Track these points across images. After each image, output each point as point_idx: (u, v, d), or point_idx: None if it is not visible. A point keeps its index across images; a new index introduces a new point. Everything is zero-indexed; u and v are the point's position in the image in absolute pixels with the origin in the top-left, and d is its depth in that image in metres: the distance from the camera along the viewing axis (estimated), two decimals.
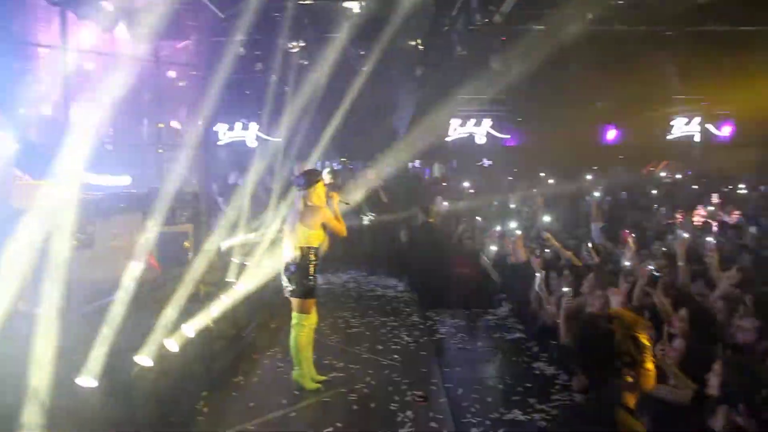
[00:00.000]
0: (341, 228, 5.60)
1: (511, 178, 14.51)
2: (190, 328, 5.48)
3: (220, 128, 13.56)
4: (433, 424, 4.84)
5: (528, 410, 5.04)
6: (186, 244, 7.41)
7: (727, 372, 3.50)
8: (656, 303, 4.88)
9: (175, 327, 5.36)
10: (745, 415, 3.21)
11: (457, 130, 13.84)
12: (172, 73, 11.29)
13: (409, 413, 5.02)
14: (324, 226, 5.47)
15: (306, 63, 9.06)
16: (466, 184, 13.19)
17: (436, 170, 17.29)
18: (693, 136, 15.71)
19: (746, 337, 4.32)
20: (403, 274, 9.73)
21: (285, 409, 5.14)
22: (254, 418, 4.93)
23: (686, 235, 6.05)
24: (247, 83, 11.17)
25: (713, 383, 3.57)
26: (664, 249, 6.41)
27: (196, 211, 7.28)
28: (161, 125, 11.86)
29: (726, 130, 15.24)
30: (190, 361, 5.55)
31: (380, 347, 6.76)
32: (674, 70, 12.28)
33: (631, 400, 2.00)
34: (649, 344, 2.02)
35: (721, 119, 15.12)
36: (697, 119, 15.29)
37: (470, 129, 13.84)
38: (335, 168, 14.98)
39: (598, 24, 9.46)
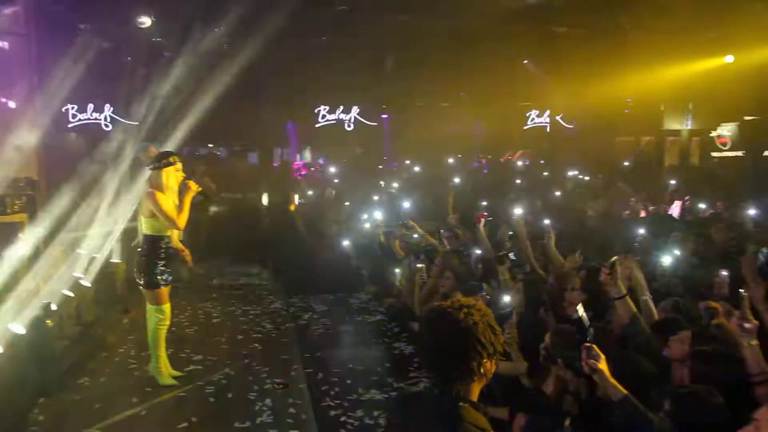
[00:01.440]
0: (176, 220, 5.01)
1: (381, 166, 14.86)
2: (21, 328, 4.97)
3: (70, 109, 12.39)
4: (291, 410, 4.85)
5: (386, 389, 5.24)
6: (21, 235, 6.67)
7: (555, 340, 3.90)
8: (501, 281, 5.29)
9: (3, 327, 4.84)
10: (564, 368, 3.60)
11: (325, 117, 13.81)
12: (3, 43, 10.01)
13: (268, 401, 5.00)
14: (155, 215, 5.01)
15: (159, 40, 8.45)
16: (333, 170, 13.25)
17: (306, 157, 17.25)
18: (545, 127, 17.09)
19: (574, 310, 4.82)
20: (266, 262, 9.58)
21: (136, 408, 4.88)
22: (100, 421, 4.62)
23: (519, 212, 6.56)
24: (97, 61, 10.19)
25: (544, 353, 3.94)
26: (510, 232, 6.90)
27: (32, 199, 6.56)
28: None
29: (572, 122, 16.68)
30: (22, 365, 5.05)
31: (241, 337, 6.64)
32: (525, 66, 13.12)
33: (477, 391, 1.90)
34: (499, 329, 1.94)
35: (569, 112, 16.48)
36: (547, 111, 16.61)
37: (339, 116, 13.88)
38: (199, 154, 14.43)
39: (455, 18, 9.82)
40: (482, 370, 1.84)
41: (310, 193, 10.82)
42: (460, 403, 1.81)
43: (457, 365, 1.83)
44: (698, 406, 2.71)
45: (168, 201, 5.04)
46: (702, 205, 8.72)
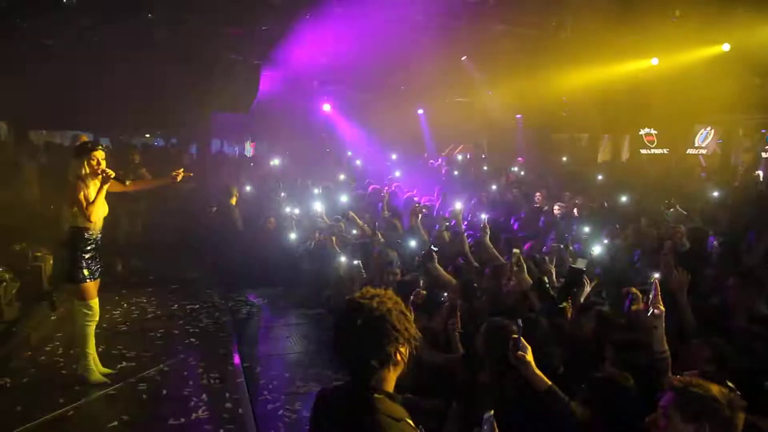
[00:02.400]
0: (86, 211, 4.89)
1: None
2: None
3: None
4: (228, 405, 4.80)
5: (324, 382, 5.25)
6: None
7: (486, 333, 4.01)
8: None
9: None
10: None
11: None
12: None
13: (204, 397, 4.92)
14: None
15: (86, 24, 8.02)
16: (273, 163, 13.06)
17: (247, 149, 16.96)
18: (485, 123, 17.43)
19: (512, 299, 4.99)
20: (205, 256, 9.38)
21: (63, 408, 4.69)
22: (23, 424, 4.41)
23: (459, 207, 6.77)
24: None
25: (479, 343, 4.05)
26: (447, 224, 7.05)
27: None
28: None
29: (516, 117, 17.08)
30: None
31: (177, 332, 6.49)
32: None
33: (392, 381, 1.92)
34: (411, 315, 1.99)
35: (512, 108, 16.86)
36: (494, 107, 16.91)
37: None
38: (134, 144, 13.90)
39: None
40: (398, 357, 1.88)
41: (248, 188, 10.63)
42: (375, 394, 1.85)
43: (374, 351, 1.86)
44: (613, 391, 2.88)
45: (86, 191, 4.90)
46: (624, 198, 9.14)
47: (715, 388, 2.24)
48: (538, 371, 2.95)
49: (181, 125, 13.21)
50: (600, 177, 11.81)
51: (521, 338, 3.00)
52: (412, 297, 4.64)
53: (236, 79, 10.39)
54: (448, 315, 4.53)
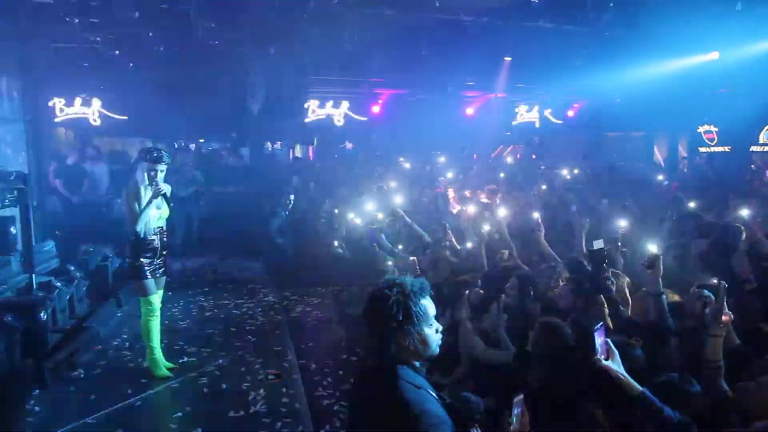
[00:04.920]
0: (133, 220, 5.15)
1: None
2: (15, 320, 5.00)
3: (57, 102, 12.28)
4: (285, 400, 4.93)
5: None
6: (12, 230, 6.66)
7: (539, 332, 3.99)
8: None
9: None
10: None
11: (315, 111, 13.78)
12: None
13: (261, 391, 5.08)
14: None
15: (150, 35, 8.42)
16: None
17: (298, 152, 17.28)
18: (533, 122, 17.15)
19: (565, 302, 4.93)
20: (260, 256, 9.63)
21: (130, 398, 4.94)
22: (96, 412, 4.68)
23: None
24: (83, 53, 10.08)
25: (532, 342, 4.03)
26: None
27: (23, 193, 6.55)
28: None
29: (566, 117, 16.71)
30: (16, 358, 5.10)
31: (234, 329, 6.71)
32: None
33: (415, 354, 2.14)
34: (432, 312, 2.17)
35: (562, 107, 16.53)
36: (537, 106, 16.67)
37: (329, 110, 13.86)
38: (188, 148, 14.41)
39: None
40: (420, 335, 2.11)
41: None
42: (398, 364, 2.10)
43: (400, 327, 2.09)
44: (677, 395, 2.81)
45: (141, 198, 5.13)
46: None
47: None
48: (627, 376, 2.81)
49: (236, 129, 13.58)
50: (660, 177, 11.40)
51: (608, 341, 2.83)
52: (468, 295, 4.66)
53: (289, 83, 10.64)
54: (501, 313, 4.53)
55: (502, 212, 6.64)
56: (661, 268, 3.89)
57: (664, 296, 3.93)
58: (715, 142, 15.87)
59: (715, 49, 11.25)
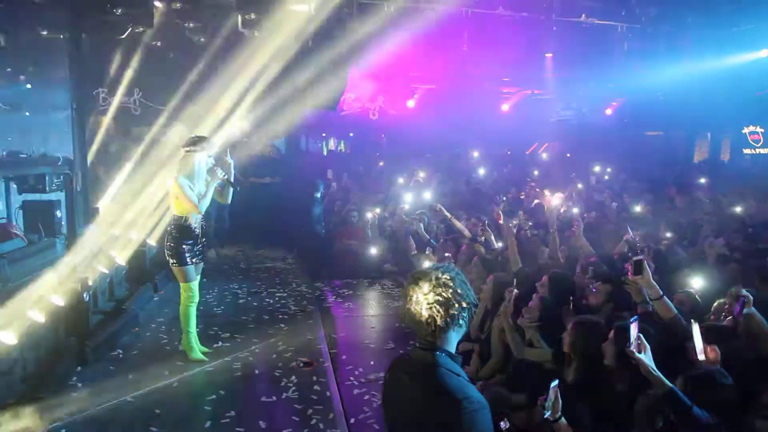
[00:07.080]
0: (195, 205, 5.22)
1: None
2: (60, 300, 5.19)
3: (100, 93, 12.64)
4: (316, 387, 5.00)
5: None
6: (58, 213, 6.90)
7: (575, 331, 3.93)
8: None
9: (43, 300, 5.06)
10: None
11: (351, 105, 13.80)
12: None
13: (293, 378, 5.14)
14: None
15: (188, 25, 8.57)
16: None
17: (332, 145, 17.39)
18: (571, 119, 16.84)
19: (597, 300, 4.85)
20: (292, 247, 9.75)
21: (167, 380, 5.07)
22: (135, 391, 4.82)
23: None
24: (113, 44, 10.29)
25: (566, 341, 3.98)
26: (530, 222, 6.93)
27: (69, 178, 6.77)
28: (29, 85, 10.87)
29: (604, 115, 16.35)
30: (60, 336, 5.28)
31: (266, 317, 6.81)
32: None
33: (454, 341, 2.13)
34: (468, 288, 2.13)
35: (601, 105, 16.18)
36: (574, 103, 16.35)
37: (365, 104, 13.86)
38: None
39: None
40: (461, 320, 2.09)
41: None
42: (437, 352, 2.08)
43: (439, 313, 2.05)
44: (711, 388, 2.75)
45: (193, 185, 5.22)
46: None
47: None
48: (657, 372, 2.79)
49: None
50: (703, 180, 11.06)
51: (641, 336, 2.81)
52: (505, 294, 4.63)
53: (327, 77, 10.67)
54: (533, 310, 4.49)
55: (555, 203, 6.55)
56: (650, 271, 3.78)
57: (665, 298, 3.79)
58: (761, 143, 15.32)
59: (765, 47, 10.86)
